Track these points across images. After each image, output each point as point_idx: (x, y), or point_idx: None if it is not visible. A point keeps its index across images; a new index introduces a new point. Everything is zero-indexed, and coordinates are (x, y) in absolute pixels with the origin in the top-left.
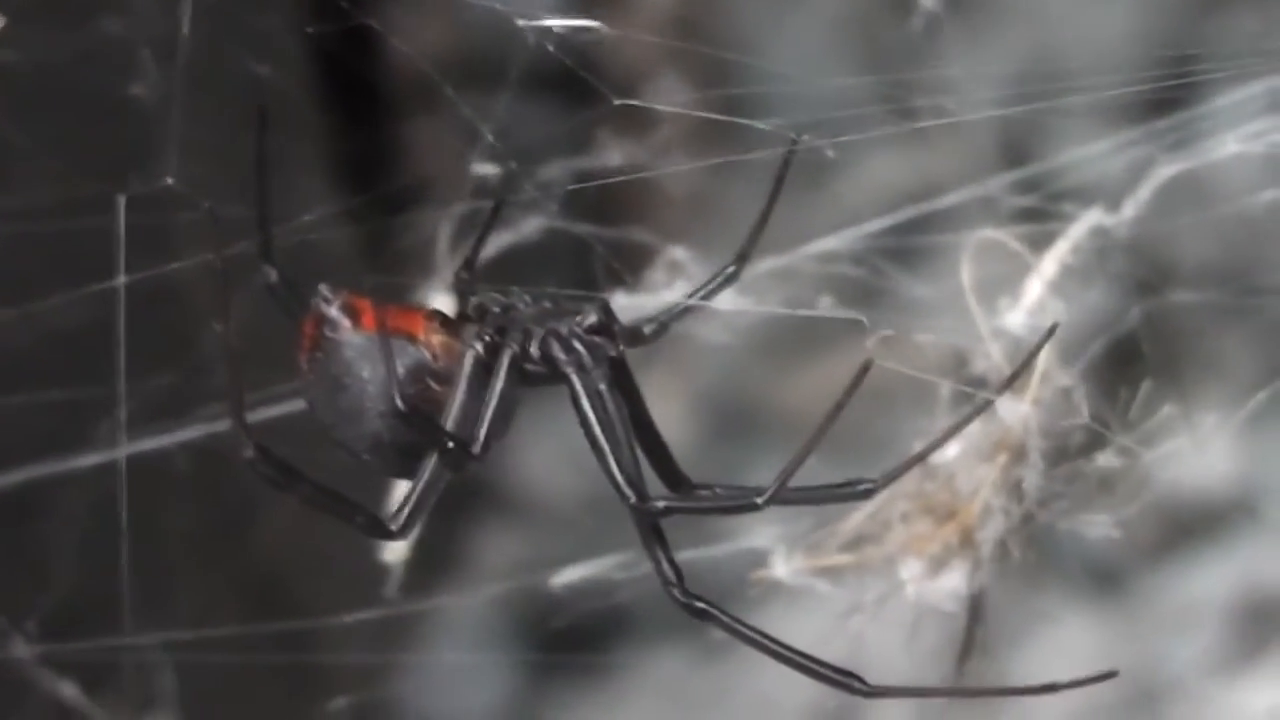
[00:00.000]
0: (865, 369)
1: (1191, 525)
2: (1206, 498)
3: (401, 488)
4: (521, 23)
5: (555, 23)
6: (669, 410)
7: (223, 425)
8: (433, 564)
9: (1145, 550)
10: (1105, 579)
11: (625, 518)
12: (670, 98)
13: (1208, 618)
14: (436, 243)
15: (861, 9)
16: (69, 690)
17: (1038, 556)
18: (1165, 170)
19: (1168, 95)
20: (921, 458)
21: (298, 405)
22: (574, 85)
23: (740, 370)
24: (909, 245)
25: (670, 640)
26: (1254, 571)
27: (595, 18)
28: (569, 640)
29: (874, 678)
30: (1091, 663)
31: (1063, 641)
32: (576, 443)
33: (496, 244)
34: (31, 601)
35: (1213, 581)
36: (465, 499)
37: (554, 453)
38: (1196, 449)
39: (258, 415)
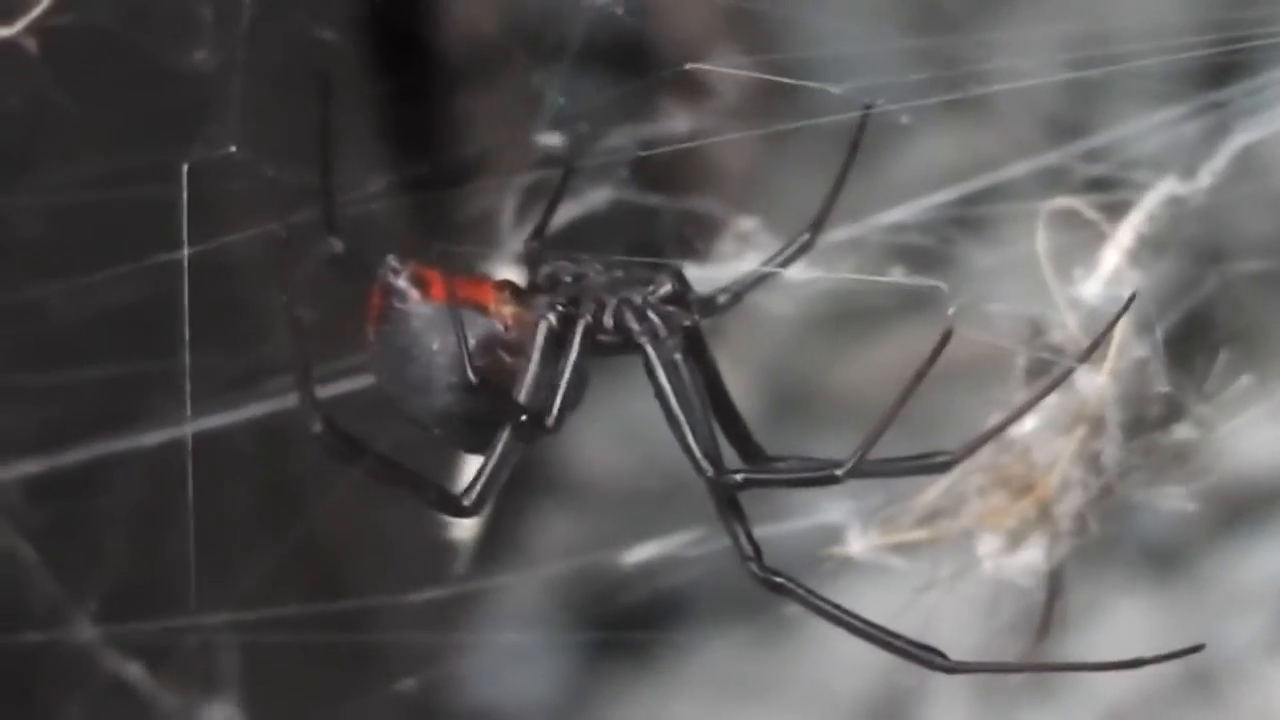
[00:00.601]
0: (946, 337)
1: (1251, 505)
2: (1266, 476)
3: (468, 463)
4: None
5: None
6: (730, 383)
7: (286, 401)
8: (493, 543)
9: (1206, 529)
10: (1165, 558)
11: (687, 495)
12: (736, 61)
13: (1267, 598)
14: (502, 213)
15: None
16: (133, 670)
17: (1116, 532)
18: (1241, 138)
19: (1232, 60)
20: (1001, 429)
21: (363, 380)
22: (640, 50)
23: (803, 343)
24: (979, 215)
25: (729, 623)
26: None
27: None
28: (631, 621)
29: (949, 654)
30: (1151, 641)
31: (1121, 620)
32: (634, 419)
33: (564, 215)
34: (93, 580)
35: (1273, 561)
36: (522, 477)
37: (612, 429)
38: (1273, 419)
39: (323, 391)
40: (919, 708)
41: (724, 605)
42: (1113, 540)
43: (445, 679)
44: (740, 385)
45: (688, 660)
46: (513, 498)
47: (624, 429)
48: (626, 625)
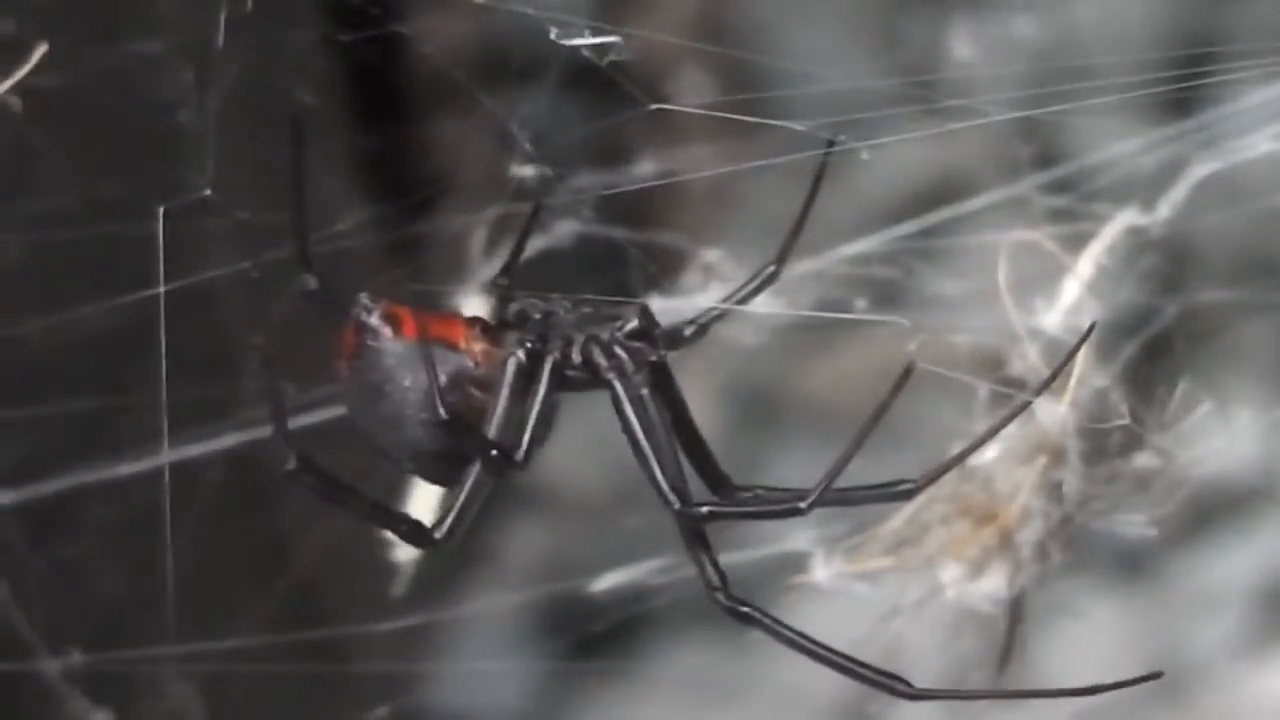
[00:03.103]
0: (908, 372)
1: (1215, 511)
2: (1230, 483)
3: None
4: (555, 35)
5: (584, 42)
6: (692, 402)
7: (259, 432)
8: (465, 565)
9: (1171, 537)
10: (1130, 566)
11: (660, 518)
12: (701, 100)
13: (1232, 602)
14: (471, 248)
15: (881, 6)
16: (99, 704)
17: (1076, 558)
18: (1199, 170)
19: (1195, 94)
20: (962, 458)
21: (334, 411)
22: (607, 89)
23: (764, 362)
24: (942, 246)
25: (697, 632)
26: (1277, 556)
27: (624, 21)
28: (601, 642)
29: (913, 680)
30: (1119, 649)
31: (1090, 628)
32: (606, 439)
33: (531, 249)
34: (64, 613)
35: (1237, 566)
36: (493, 497)
37: (583, 449)
38: (1231, 446)
39: (295, 423)
40: (888, 710)
41: (694, 614)
42: (1084, 564)
43: (423, 706)
44: (706, 407)
45: (659, 667)
46: (488, 518)
47: (599, 447)
48: (603, 644)
